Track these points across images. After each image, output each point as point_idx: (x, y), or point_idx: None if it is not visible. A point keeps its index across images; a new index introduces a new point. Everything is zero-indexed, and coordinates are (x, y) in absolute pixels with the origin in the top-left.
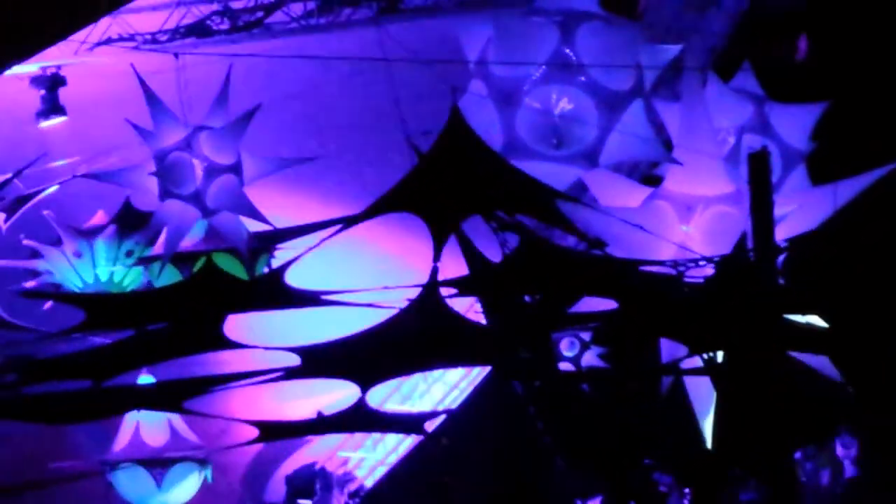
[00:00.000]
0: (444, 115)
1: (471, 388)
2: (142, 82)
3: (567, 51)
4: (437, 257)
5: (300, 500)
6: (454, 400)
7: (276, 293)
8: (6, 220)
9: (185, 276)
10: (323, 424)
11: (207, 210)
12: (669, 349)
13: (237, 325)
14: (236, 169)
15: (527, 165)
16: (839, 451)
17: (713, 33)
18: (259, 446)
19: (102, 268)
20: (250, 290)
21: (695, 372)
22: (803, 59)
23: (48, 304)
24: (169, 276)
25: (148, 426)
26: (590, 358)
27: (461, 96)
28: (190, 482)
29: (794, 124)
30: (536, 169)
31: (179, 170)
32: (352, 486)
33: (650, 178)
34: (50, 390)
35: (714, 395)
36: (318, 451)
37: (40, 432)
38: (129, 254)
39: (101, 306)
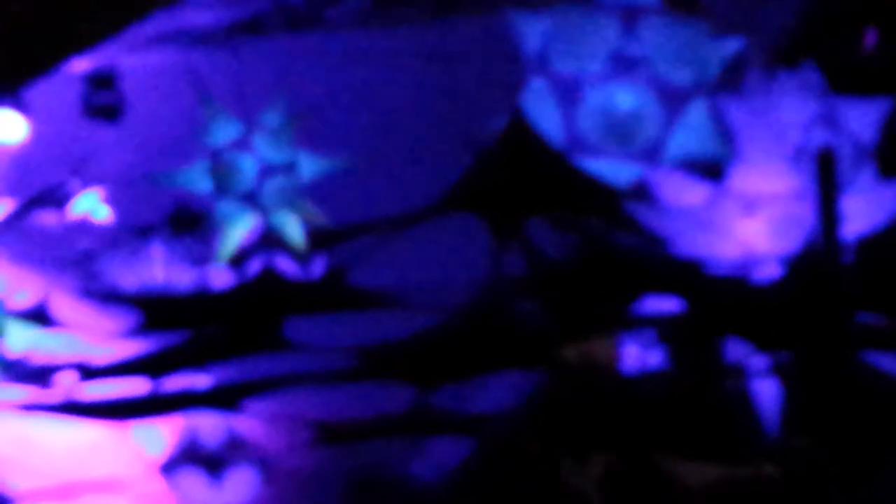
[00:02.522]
0: (504, 114)
1: (530, 390)
2: (196, 79)
3: (629, 46)
4: (497, 257)
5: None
6: (512, 400)
7: (337, 294)
8: (61, 220)
9: (241, 277)
10: (384, 425)
11: (263, 209)
12: (734, 349)
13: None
14: (292, 167)
15: (588, 163)
16: None
17: (777, 27)
18: (318, 447)
19: (158, 268)
20: (312, 292)
21: (761, 373)
22: (871, 52)
23: (104, 305)
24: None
25: (205, 427)
26: (651, 359)
27: (522, 94)
28: (246, 483)
29: (862, 119)
30: (598, 167)
31: (235, 169)
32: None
33: (713, 175)
34: (107, 391)
35: (781, 396)
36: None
37: (94, 432)
38: (184, 254)
39: (157, 307)
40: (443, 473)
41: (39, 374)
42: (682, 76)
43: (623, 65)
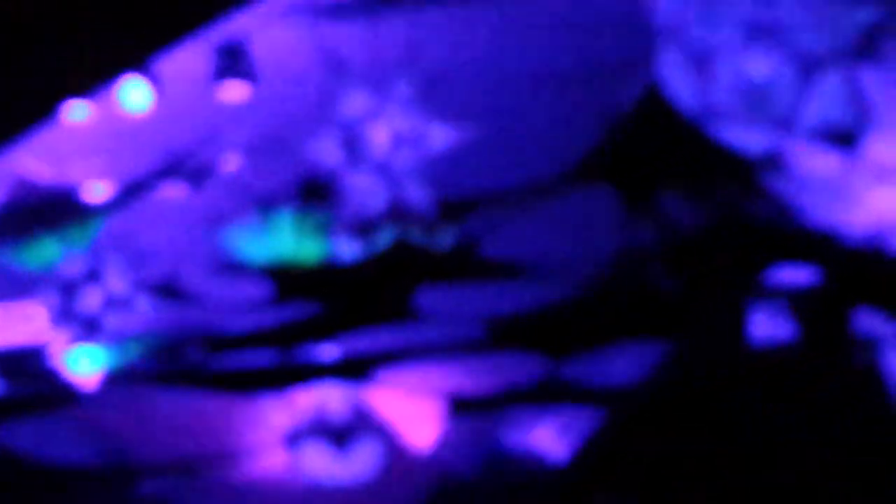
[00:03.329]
0: (637, 83)
1: (661, 361)
2: (327, 50)
3: (763, 14)
4: (629, 228)
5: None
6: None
7: (467, 264)
8: (190, 191)
9: (371, 249)
10: (514, 396)
11: (394, 180)
12: (867, 320)
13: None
14: (423, 138)
15: (721, 132)
16: None
17: None
18: (447, 420)
19: (286, 239)
20: (443, 263)
21: (894, 345)
22: None
23: (233, 276)
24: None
25: (332, 399)
26: (782, 329)
27: (654, 63)
28: (373, 456)
29: None
30: (731, 136)
31: (364, 140)
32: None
33: (847, 144)
34: (235, 362)
35: None
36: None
37: (221, 404)
38: (312, 225)
39: (287, 278)
40: (573, 444)
41: (167, 346)
42: (816, 44)
43: (757, 33)
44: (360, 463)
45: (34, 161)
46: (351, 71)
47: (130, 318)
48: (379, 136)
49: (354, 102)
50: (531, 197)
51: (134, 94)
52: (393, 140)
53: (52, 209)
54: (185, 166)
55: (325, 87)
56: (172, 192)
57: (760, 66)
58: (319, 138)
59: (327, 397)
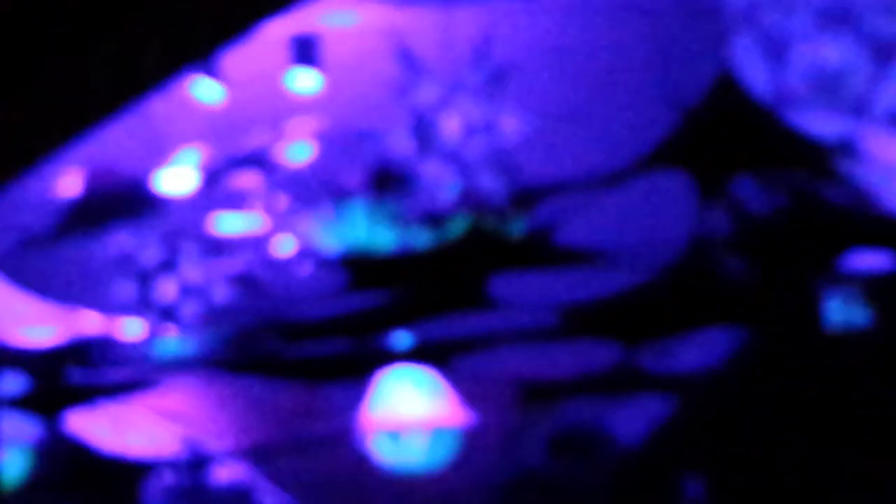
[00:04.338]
0: (711, 69)
1: (735, 347)
2: (398, 39)
3: None
4: (703, 214)
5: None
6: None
7: (541, 252)
8: (265, 181)
9: (444, 237)
10: (589, 385)
11: (466, 169)
12: None
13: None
14: (495, 127)
15: (796, 118)
16: None
17: None
18: (521, 405)
19: (359, 228)
20: (516, 250)
21: None
22: None
23: (306, 266)
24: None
25: (406, 388)
26: (856, 316)
27: (728, 49)
28: (449, 446)
29: None
30: (806, 122)
31: (437, 129)
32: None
33: None
34: (308, 351)
35: None
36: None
37: (296, 392)
38: (385, 214)
39: (361, 267)
40: (646, 432)
41: (242, 335)
42: (890, 30)
43: (831, 18)
44: (434, 450)
45: (109, 153)
46: (422, 60)
47: (206, 306)
48: (450, 125)
49: (426, 92)
50: (604, 184)
51: (207, 86)
52: (464, 129)
53: (128, 200)
54: (259, 157)
55: (397, 76)
56: (246, 182)
57: (835, 51)
58: (392, 128)
59: (400, 386)
